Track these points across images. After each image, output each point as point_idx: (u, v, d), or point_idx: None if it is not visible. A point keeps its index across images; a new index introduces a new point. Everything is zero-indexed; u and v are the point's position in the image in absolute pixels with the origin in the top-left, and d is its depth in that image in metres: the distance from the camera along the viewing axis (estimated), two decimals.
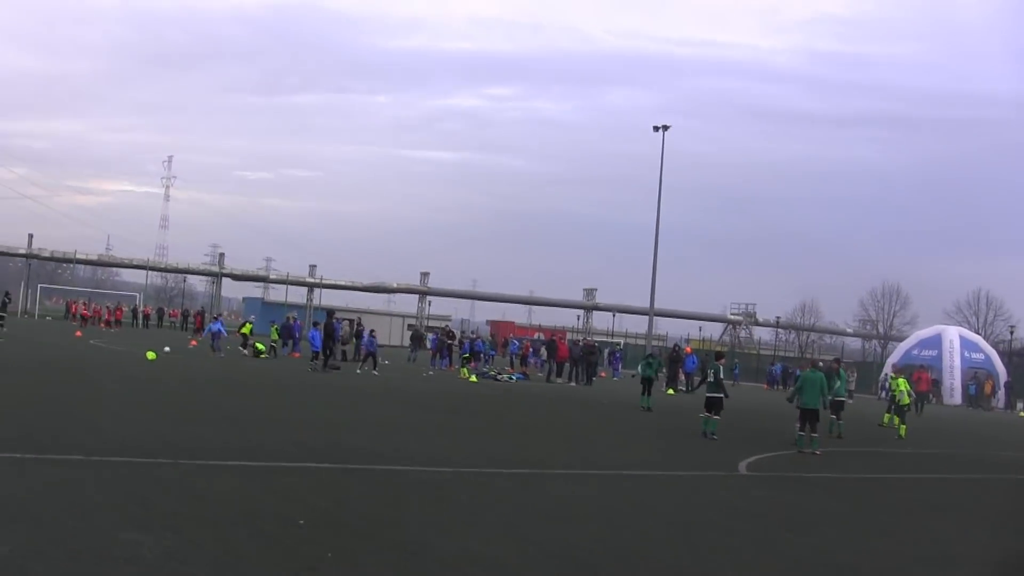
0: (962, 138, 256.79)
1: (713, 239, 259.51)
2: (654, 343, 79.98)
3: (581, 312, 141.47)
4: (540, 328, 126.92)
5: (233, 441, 18.73)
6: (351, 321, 62.48)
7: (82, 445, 16.16)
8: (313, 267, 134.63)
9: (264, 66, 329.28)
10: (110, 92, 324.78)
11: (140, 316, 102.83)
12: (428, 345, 68.52)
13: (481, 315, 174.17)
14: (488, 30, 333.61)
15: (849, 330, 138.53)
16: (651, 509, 15.41)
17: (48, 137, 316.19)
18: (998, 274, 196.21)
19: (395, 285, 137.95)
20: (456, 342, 61.76)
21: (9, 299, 58.37)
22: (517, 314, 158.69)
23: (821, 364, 32.67)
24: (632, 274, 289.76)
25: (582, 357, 56.72)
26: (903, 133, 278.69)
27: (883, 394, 54.69)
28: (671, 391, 54.34)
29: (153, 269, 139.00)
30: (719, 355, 31.29)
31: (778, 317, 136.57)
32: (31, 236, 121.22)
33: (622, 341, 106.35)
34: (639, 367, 39.83)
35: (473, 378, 50.48)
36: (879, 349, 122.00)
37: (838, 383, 33.22)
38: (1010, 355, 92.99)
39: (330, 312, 50.35)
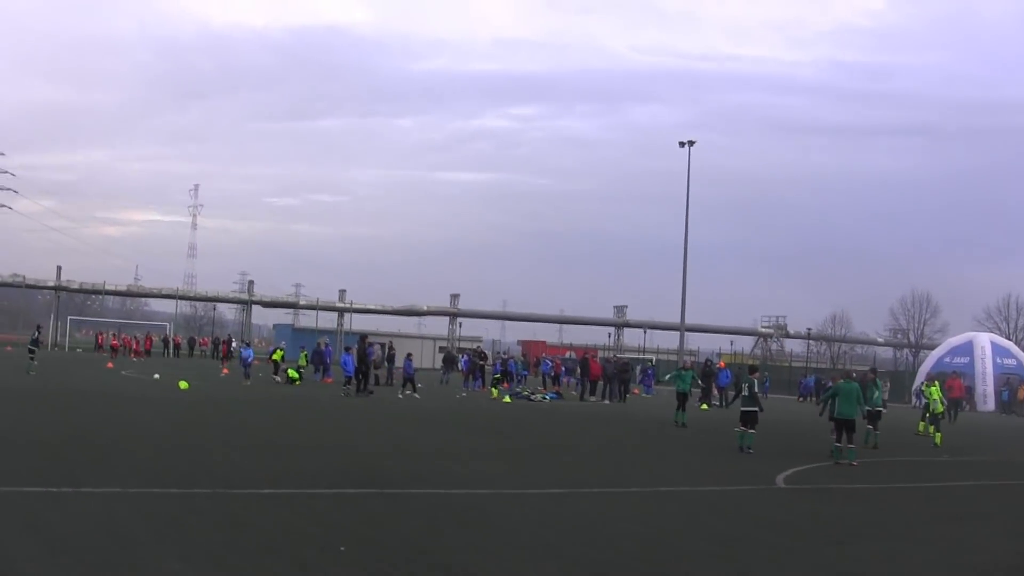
0: (988, 145, 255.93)
1: (742, 252, 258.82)
2: (686, 358, 79.65)
3: (612, 329, 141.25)
4: (571, 347, 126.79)
5: (270, 469, 18.71)
6: (382, 345, 62.51)
7: (120, 477, 16.20)
8: (343, 292, 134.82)
9: (289, 92, 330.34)
10: (135, 122, 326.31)
11: (171, 345, 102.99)
12: (460, 367, 68.36)
13: (512, 335, 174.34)
14: (512, 50, 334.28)
15: (880, 340, 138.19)
16: (692, 526, 15.32)
17: (75, 169, 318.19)
18: None
19: (425, 308, 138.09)
20: (488, 363, 61.62)
21: (40, 332, 58.46)
22: (548, 333, 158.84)
23: (855, 375, 32.54)
24: (662, 290, 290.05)
25: (616, 374, 56.65)
26: (930, 142, 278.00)
27: (918, 402, 54.41)
28: (705, 406, 54.16)
29: (183, 298, 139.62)
30: (753, 369, 31.22)
31: (809, 329, 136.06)
32: (59, 268, 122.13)
33: (654, 357, 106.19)
34: (670, 377, 39.70)
35: (507, 399, 50.43)
36: (911, 358, 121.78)
37: (876, 393, 33.13)
38: None
39: (363, 336, 50.38)
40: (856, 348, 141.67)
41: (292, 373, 53.34)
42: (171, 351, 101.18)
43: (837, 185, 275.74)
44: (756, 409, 28.17)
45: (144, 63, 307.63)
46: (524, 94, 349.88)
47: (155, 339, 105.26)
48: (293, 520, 13.40)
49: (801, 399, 77.70)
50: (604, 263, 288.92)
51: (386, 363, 58.94)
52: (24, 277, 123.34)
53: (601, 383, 56.82)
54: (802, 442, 32.11)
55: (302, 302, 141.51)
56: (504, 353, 78.15)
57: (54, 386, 40.35)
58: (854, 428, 26.59)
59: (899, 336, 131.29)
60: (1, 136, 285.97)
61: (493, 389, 53.88)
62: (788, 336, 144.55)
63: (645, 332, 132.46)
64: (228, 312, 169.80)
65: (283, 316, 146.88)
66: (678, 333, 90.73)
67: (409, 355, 52.66)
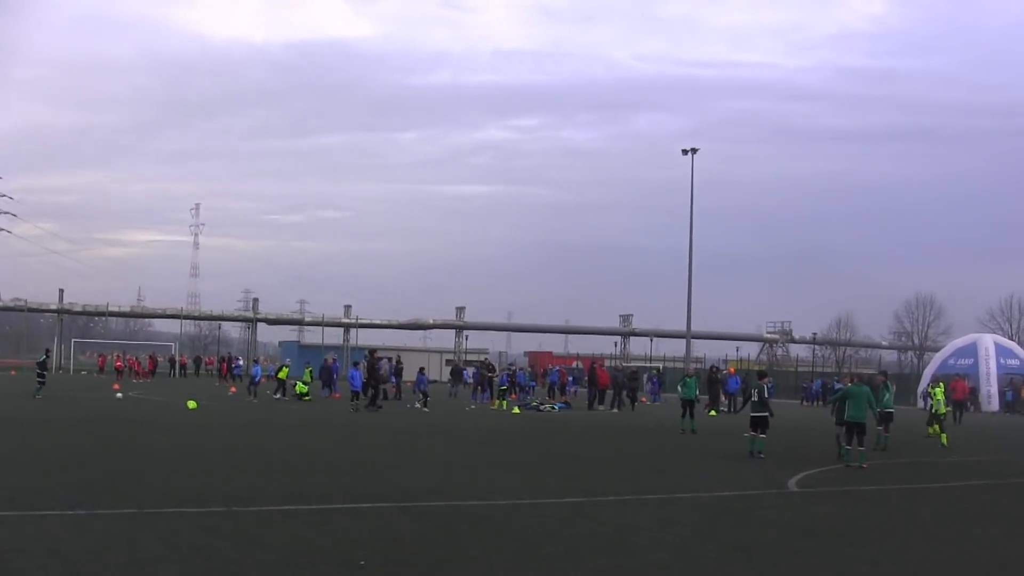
0: (990, 148, 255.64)
1: (747, 259, 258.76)
2: (693, 365, 79.74)
3: (618, 338, 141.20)
4: (578, 356, 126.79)
5: (284, 486, 18.72)
6: (389, 359, 62.56)
7: (134, 498, 16.18)
8: (348, 307, 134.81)
9: (290, 109, 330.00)
10: (136, 143, 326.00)
11: (177, 366, 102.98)
12: (469, 379, 68.50)
13: (518, 347, 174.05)
14: (513, 61, 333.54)
15: (885, 343, 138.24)
16: (709, 532, 15.32)
17: (75, 191, 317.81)
18: None
19: (431, 321, 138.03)
20: (496, 375, 61.65)
21: (49, 356, 58.46)
22: (554, 344, 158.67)
23: (865, 377, 32.61)
24: (668, 298, 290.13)
25: (625, 383, 56.74)
26: (932, 146, 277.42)
27: (924, 405, 54.49)
28: (713, 413, 54.21)
29: (187, 318, 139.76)
30: (762, 374, 31.32)
31: (814, 333, 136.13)
32: (61, 291, 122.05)
33: (661, 365, 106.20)
34: (679, 387, 39.75)
35: (516, 410, 50.44)
36: (915, 360, 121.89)
37: (887, 395, 33.20)
38: None
39: (372, 351, 50.43)
40: (861, 352, 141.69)
41: (301, 388, 53.36)
42: (177, 371, 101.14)
43: (840, 189, 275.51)
44: (766, 414, 28.23)
45: (144, 83, 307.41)
46: (526, 105, 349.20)
47: (161, 359, 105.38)
48: (311, 536, 13.41)
49: (807, 403, 77.86)
50: (609, 272, 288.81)
51: (393, 377, 58.97)
52: (26, 301, 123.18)
53: (610, 392, 56.89)
54: (811, 446, 32.10)
55: (307, 318, 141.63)
56: (511, 365, 78.14)
57: (62, 409, 40.32)
58: (865, 431, 26.63)
59: (903, 339, 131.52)
60: (2, 159, 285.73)
61: (501, 401, 53.95)
62: (793, 341, 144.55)
63: (651, 340, 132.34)
64: (233, 331, 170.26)
65: (288, 333, 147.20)
66: (684, 341, 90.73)
67: (422, 369, 52.91)
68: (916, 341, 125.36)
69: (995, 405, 79.02)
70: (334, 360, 65.30)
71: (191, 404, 42.41)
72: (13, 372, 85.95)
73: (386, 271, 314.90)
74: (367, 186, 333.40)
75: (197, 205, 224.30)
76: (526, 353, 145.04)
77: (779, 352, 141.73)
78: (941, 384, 41.49)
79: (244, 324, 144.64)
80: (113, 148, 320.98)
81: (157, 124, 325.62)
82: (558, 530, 14.89)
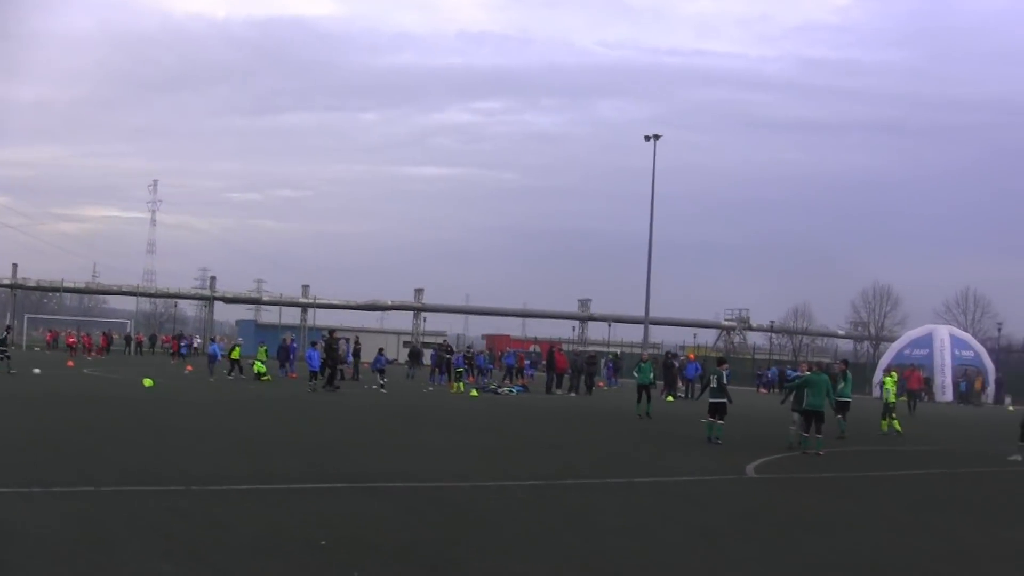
0: (952, 142, 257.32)
1: (706, 246, 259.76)
2: (650, 350, 79.91)
3: (576, 323, 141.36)
4: (535, 340, 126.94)
5: (244, 465, 18.67)
6: (347, 340, 62.48)
7: (91, 476, 16.07)
8: (306, 287, 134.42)
9: (252, 87, 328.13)
10: (95, 117, 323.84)
11: (132, 343, 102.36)
12: (428, 361, 68.51)
13: (476, 329, 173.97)
14: (477, 44, 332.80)
15: (841, 332, 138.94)
16: (670, 516, 15.39)
17: (32, 165, 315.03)
18: (985, 273, 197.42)
19: (389, 302, 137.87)
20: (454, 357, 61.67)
21: (10, 332, 58.13)
22: (512, 327, 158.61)
23: (824, 366, 32.83)
24: (627, 284, 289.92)
25: (583, 367, 56.88)
26: (894, 138, 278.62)
27: (879, 393, 54.90)
28: (670, 398, 54.43)
29: (143, 295, 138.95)
30: (721, 361, 31.34)
31: (772, 321, 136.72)
32: (15, 266, 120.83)
33: (618, 350, 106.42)
34: (635, 373, 39.85)
35: (474, 392, 50.49)
36: (871, 350, 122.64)
37: (842, 384, 33.43)
38: (998, 352, 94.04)
39: (331, 332, 50.31)
40: (817, 341, 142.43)
41: (259, 367, 53.18)
42: (132, 349, 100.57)
43: (801, 179, 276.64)
44: (725, 400, 28.32)
45: (105, 57, 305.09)
46: (490, 88, 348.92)
47: (117, 337, 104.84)
48: (272, 516, 13.36)
49: (763, 390, 78.28)
50: (568, 258, 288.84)
51: (352, 358, 58.90)
52: None
53: (567, 376, 57.00)
54: (767, 433, 32.25)
55: (265, 298, 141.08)
56: (469, 347, 78.15)
57: (16, 386, 40.03)
58: (823, 419, 26.79)
59: (860, 329, 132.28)
60: None
61: (458, 384, 53.99)
62: (751, 329, 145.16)
63: (609, 325, 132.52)
64: (189, 309, 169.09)
65: (245, 312, 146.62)
66: (642, 326, 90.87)
67: (381, 350, 52.94)
68: (872, 331, 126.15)
69: (949, 395, 79.88)
70: (292, 340, 65.14)
71: (147, 382, 42.19)
72: None
73: (345, 252, 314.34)
74: (328, 166, 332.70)
75: (155, 182, 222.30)
76: (484, 336, 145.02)
77: (736, 339, 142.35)
78: (893, 373, 41.78)
79: (201, 302, 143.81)
80: (72, 122, 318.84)
81: (117, 99, 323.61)
82: (520, 513, 14.94)
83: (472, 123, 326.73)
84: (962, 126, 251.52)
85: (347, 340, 61.65)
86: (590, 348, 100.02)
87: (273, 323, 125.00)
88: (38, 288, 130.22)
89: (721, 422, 27.99)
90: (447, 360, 60.18)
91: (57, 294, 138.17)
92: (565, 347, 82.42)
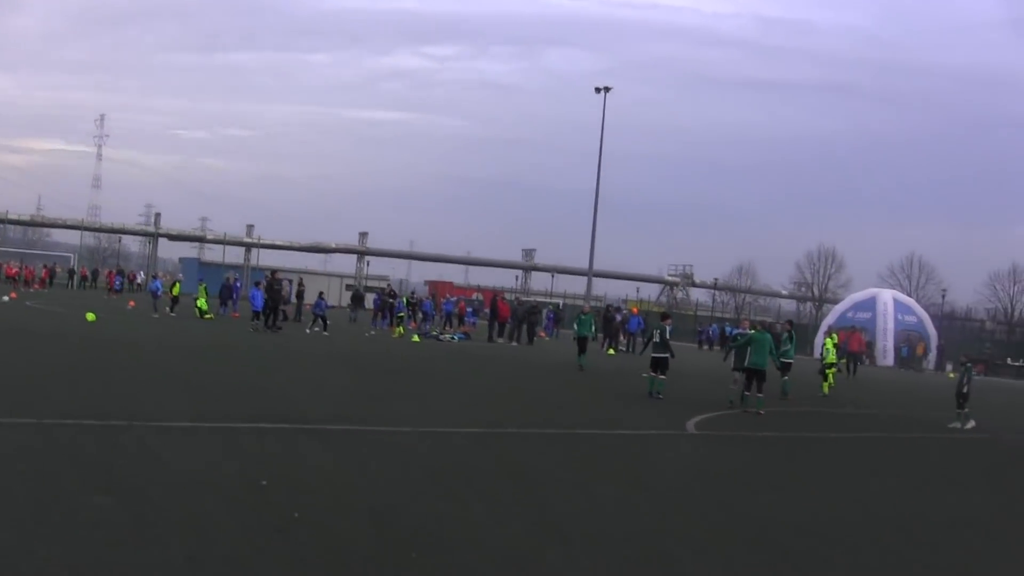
0: (901, 107, 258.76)
1: (653, 201, 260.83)
2: (593, 303, 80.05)
3: (520, 272, 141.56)
4: (479, 288, 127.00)
5: (185, 403, 18.55)
6: (290, 281, 62.22)
7: (32, 409, 15.94)
8: (251, 227, 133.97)
9: (201, 24, 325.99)
10: (42, 50, 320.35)
11: (76, 277, 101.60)
12: (371, 305, 68.31)
13: (419, 275, 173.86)
14: None
15: (784, 292, 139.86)
16: (609, 469, 15.45)
17: None
18: (930, 239, 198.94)
19: (333, 245, 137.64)
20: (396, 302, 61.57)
21: None
22: (455, 274, 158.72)
23: (768, 324, 32.98)
24: (572, 235, 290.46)
25: (524, 317, 56.88)
26: (844, 101, 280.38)
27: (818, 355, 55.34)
28: (611, 351, 54.63)
29: (87, 229, 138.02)
30: (664, 316, 31.43)
31: (715, 279, 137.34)
32: None
33: (561, 302, 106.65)
34: (575, 324, 40.01)
35: (416, 338, 50.52)
36: (814, 311, 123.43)
37: (788, 346, 33.59)
38: (941, 318, 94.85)
39: (272, 272, 50.09)
40: (760, 300, 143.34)
41: (202, 304, 52.88)
42: (76, 283, 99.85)
43: (750, 139, 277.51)
44: (667, 355, 28.38)
45: None
46: (441, 34, 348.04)
47: (60, 270, 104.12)
48: (214, 455, 13.33)
49: (704, 347, 78.65)
50: (514, 207, 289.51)
51: (295, 299, 58.69)
52: None
53: (509, 325, 57.00)
54: (709, 390, 32.40)
55: (209, 236, 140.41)
56: (412, 292, 78.04)
57: None
58: (764, 378, 26.91)
59: (803, 289, 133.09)
60: None
61: (399, 328, 53.98)
62: (694, 285, 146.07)
63: (553, 276, 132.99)
64: (133, 244, 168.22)
65: (189, 250, 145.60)
66: (585, 278, 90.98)
67: (321, 293, 52.60)
68: (816, 292, 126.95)
69: (890, 360, 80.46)
70: (236, 279, 64.76)
71: (90, 316, 41.84)
72: None
73: (291, 193, 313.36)
74: (276, 107, 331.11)
75: (102, 116, 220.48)
76: (427, 282, 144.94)
77: (679, 295, 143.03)
78: (834, 335, 42.08)
79: (145, 239, 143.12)
80: (19, 54, 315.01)
81: (65, 32, 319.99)
82: (460, 460, 14.97)
83: (422, 68, 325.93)
84: (913, 92, 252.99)
85: (290, 281, 61.44)
86: (532, 298, 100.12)
87: (217, 262, 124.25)
88: None
89: (663, 377, 28.08)
90: (390, 305, 60.03)
91: (1, 226, 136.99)
92: (508, 296, 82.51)
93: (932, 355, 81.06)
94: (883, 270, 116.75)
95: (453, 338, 54.40)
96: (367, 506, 10.99)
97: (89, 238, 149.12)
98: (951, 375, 63.87)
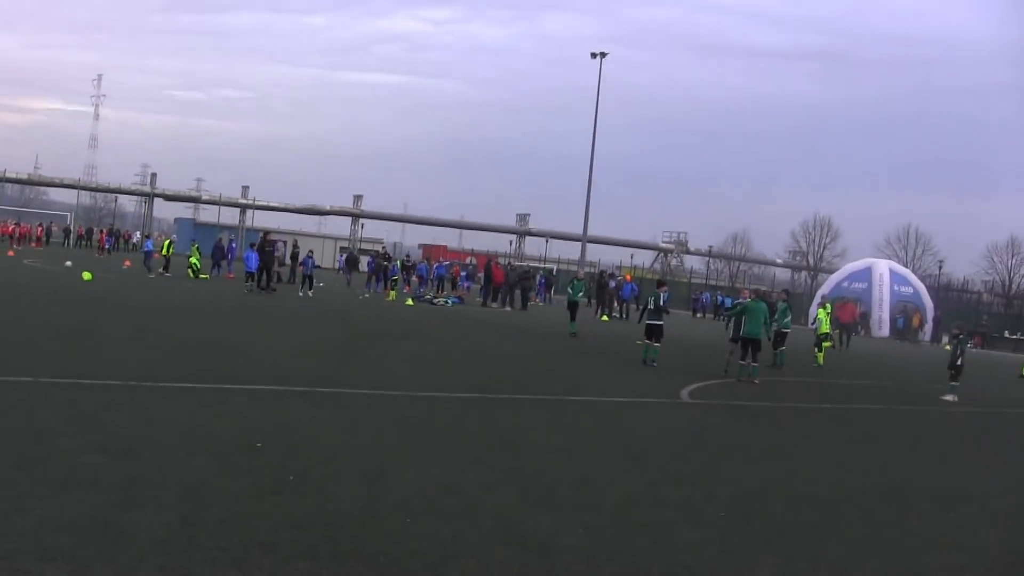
0: (898, 76, 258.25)
1: (648, 168, 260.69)
2: (587, 269, 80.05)
3: (514, 237, 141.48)
4: (472, 252, 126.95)
5: (181, 363, 18.58)
6: (284, 242, 62.15)
7: (29, 368, 15.93)
8: (246, 188, 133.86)
9: None
10: (40, 9, 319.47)
11: (72, 236, 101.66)
12: (365, 268, 68.26)
13: (413, 239, 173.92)
14: None
15: (779, 261, 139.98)
16: (602, 436, 15.48)
17: None
18: (927, 210, 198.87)
19: (328, 207, 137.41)
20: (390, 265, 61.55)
21: None
22: (448, 238, 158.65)
23: (763, 293, 33.00)
24: (566, 201, 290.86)
25: (517, 282, 56.84)
26: (841, 69, 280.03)
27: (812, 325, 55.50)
28: (605, 318, 54.65)
29: (84, 188, 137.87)
30: (660, 283, 31.48)
31: (710, 247, 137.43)
32: None
33: (555, 267, 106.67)
34: (568, 289, 40.06)
35: (409, 302, 50.55)
36: (809, 281, 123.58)
37: (788, 317, 33.54)
38: (938, 290, 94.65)
39: (265, 233, 49.95)
40: (755, 268, 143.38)
41: (194, 261, 52.94)
42: (72, 241, 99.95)
43: (746, 106, 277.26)
44: (662, 323, 28.42)
45: None
46: None
47: (56, 229, 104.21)
48: (208, 416, 13.33)
49: (699, 315, 78.66)
50: (509, 172, 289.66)
51: (290, 261, 58.65)
52: None
53: (502, 290, 56.95)
54: (703, 358, 32.46)
55: (204, 197, 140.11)
56: (407, 256, 78.06)
57: None
58: (760, 347, 26.94)
59: (798, 259, 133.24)
60: None
61: (393, 291, 54.03)
62: (689, 252, 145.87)
63: (547, 241, 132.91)
64: (129, 204, 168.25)
65: (184, 210, 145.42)
66: (580, 244, 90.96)
67: (310, 252, 52.39)
68: (811, 261, 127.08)
69: (886, 331, 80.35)
70: (231, 240, 64.69)
71: (86, 275, 41.88)
72: None
73: (286, 155, 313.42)
74: (272, 68, 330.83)
75: (99, 76, 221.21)
76: (420, 245, 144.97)
77: (673, 262, 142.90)
78: (827, 305, 42.07)
79: (140, 198, 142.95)
80: (16, 13, 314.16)
81: None
82: (453, 425, 14.97)
83: (418, 32, 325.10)
84: (910, 60, 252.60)
85: (284, 243, 61.35)
86: (526, 263, 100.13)
87: (212, 222, 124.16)
88: None
89: (657, 345, 28.13)
90: (385, 268, 59.99)
91: None
92: (501, 261, 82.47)
93: (928, 327, 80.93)
94: (879, 240, 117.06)
95: (447, 302, 54.35)
96: (360, 470, 10.99)
97: (85, 197, 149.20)
98: (947, 347, 63.94)
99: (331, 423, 13.92)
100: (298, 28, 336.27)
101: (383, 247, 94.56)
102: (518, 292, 56.48)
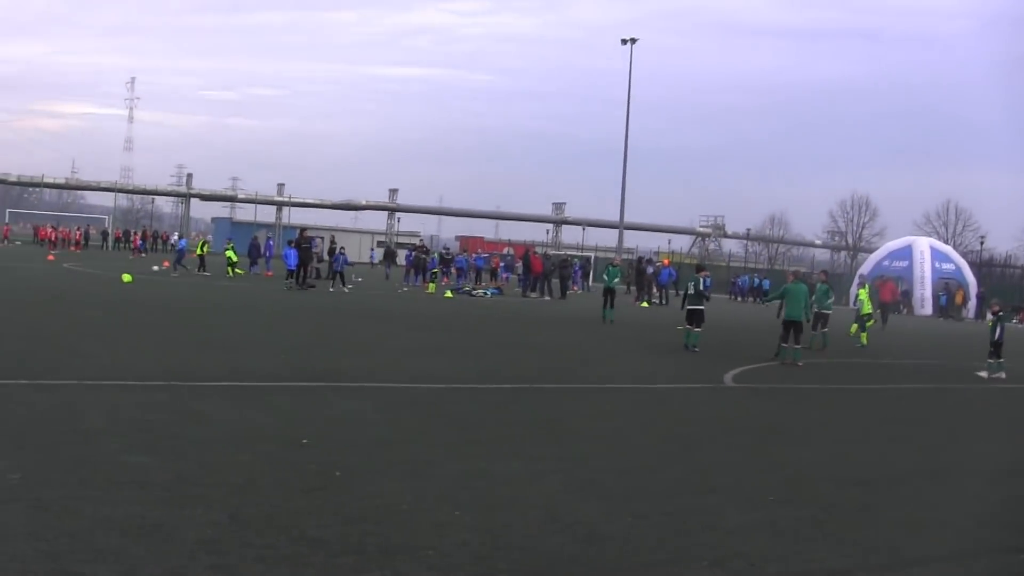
0: (929, 52, 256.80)
1: (683, 151, 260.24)
2: (624, 256, 79.89)
3: (550, 226, 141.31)
4: (510, 243, 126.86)
5: (222, 363, 18.62)
6: (321, 238, 62.27)
7: (75, 370, 16.08)
8: (281, 186, 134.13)
9: None
10: (71, 15, 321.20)
11: (110, 238, 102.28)
12: (403, 261, 68.32)
13: (449, 231, 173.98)
14: None
15: (818, 241, 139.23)
16: (647, 423, 15.44)
17: (11, 62, 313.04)
18: (967, 186, 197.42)
19: (364, 202, 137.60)
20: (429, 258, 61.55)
21: None
22: (485, 229, 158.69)
23: (806, 274, 32.85)
24: (602, 188, 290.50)
25: (555, 270, 56.80)
26: (873, 46, 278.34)
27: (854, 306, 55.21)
28: (644, 304, 54.49)
29: (121, 191, 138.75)
30: (699, 268, 31.35)
31: (748, 229, 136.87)
32: None
33: (592, 255, 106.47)
34: (603, 276, 39.93)
35: (449, 294, 50.51)
36: (848, 261, 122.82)
37: (831, 298, 33.22)
38: (980, 265, 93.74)
39: (302, 230, 50.05)
40: (793, 250, 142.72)
41: (230, 255, 53.23)
42: (110, 244, 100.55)
43: (778, 86, 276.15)
44: (703, 308, 28.34)
45: None
46: None
47: (94, 232, 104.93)
48: (252, 414, 13.37)
49: (737, 299, 78.35)
50: (543, 161, 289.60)
51: (327, 257, 58.75)
52: None
53: (541, 279, 56.84)
54: (744, 342, 32.35)
55: (240, 195, 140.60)
56: (447, 250, 78.10)
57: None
58: (801, 329, 26.79)
59: (837, 239, 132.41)
60: None
61: (431, 284, 54.07)
62: (726, 236, 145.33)
63: (584, 229, 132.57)
64: (165, 205, 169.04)
65: (221, 210, 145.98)
66: (616, 231, 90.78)
67: (341, 248, 52.24)
68: (850, 241, 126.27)
69: (928, 309, 79.51)
70: (268, 238, 64.83)
71: (126, 277, 42.05)
72: None
73: (320, 151, 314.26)
74: (303, 65, 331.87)
75: (132, 79, 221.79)
76: (457, 237, 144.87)
77: (711, 246, 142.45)
78: (867, 285, 41.79)
79: (177, 199, 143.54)
80: (49, 20, 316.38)
81: None
82: (495, 416, 14.96)
83: (448, 24, 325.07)
84: (943, 34, 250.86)
85: (321, 239, 61.45)
86: (563, 252, 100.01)
87: (248, 221, 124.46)
88: (19, 183, 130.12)
89: (698, 330, 28.02)
90: (423, 261, 59.99)
91: (37, 189, 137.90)
92: (538, 250, 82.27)
93: (972, 303, 79.96)
94: (919, 218, 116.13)
95: (486, 293, 54.32)
96: (406, 463, 10.99)
97: (123, 200, 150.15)
98: (990, 323, 63.24)
99: (374, 417, 13.93)
100: (327, 24, 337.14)
101: (420, 240, 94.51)
102: (556, 281, 56.42)
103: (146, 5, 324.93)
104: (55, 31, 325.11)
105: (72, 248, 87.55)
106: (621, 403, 17.69)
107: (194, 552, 7.49)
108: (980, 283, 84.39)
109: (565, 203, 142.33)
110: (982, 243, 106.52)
